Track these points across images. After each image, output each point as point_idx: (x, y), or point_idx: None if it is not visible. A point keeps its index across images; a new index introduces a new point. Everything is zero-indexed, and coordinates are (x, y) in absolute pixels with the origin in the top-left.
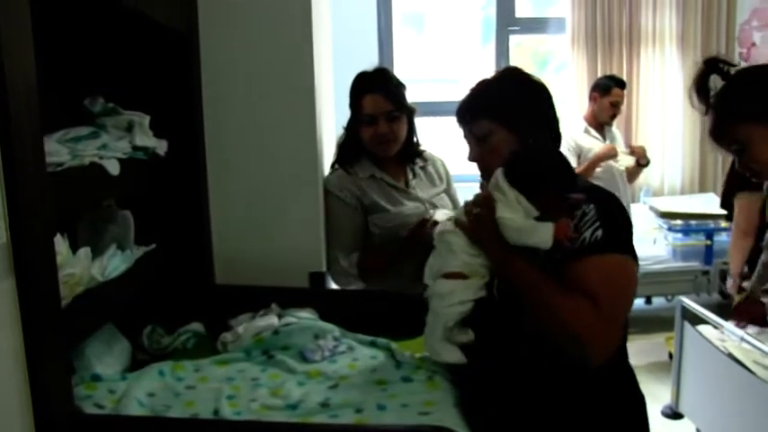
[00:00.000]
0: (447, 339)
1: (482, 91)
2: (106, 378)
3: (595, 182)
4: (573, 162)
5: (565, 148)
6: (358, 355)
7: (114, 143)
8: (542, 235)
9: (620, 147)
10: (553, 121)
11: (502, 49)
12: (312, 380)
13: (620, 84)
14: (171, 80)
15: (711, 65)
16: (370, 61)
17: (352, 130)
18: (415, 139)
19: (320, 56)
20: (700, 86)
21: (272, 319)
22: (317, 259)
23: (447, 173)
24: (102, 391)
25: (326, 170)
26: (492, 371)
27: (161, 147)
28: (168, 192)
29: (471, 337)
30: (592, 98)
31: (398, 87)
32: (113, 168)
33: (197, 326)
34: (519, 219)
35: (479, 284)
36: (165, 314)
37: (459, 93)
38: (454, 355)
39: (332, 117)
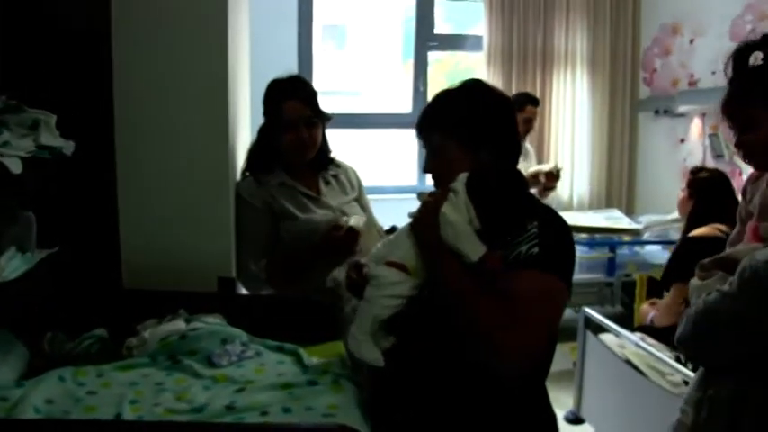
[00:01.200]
0: (372, 336)
1: (440, 103)
2: None
3: None
4: None
5: None
6: (265, 360)
7: (17, 141)
8: (474, 248)
9: (532, 162)
10: (511, 137)
11: (420, 64)
12: (218, 384)
13: (534, 101)
14: (81, 80)
15: (764, 41)
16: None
17: (266, 136)
18: (327, 147)
19: (236, 62)
20: (740, 56)
21: (179, 324)
22: (227, 264)
23: (358, 181)
24: None
25: (238, 178)
26: (404, 373)
27: (68, 147)
28: (75, 193)
29: (392, 342)
30: None
31: (314, 94)
32: (15, 167)
33: (101, 331)
34: (461, 221)
35: (416, 284)
36: (69, 319)
37: (365, 106)
38: (374, 355)
39: (247, 125)
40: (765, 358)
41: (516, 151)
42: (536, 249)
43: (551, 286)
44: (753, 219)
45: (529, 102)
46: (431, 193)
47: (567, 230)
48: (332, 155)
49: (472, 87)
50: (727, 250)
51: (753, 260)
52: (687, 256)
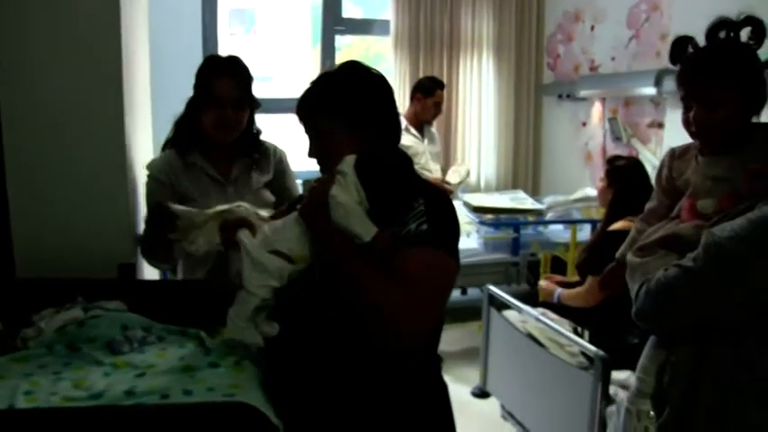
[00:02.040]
0: (252, 321)
1: (321, 86)
2: None
3: None
4: None
5: None
6: (167, 345)
7: None
8: (366, 228)
9: (436, 146)
10: (393, 116)
11: (328, 48)
12: (118, 370)
13: (442, 85)
14: None
15: (686, 39)
16: (193, 57)
17: (191, 111)
18: (254, 132)
19: (132, 44)
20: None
21: (77, 312)
22: (127, 250)
23: (280, 165)
24: None
25: (137, 163)
26: (301, 351)
27: None
28: None
29: (275, 331)
30: (415, 98)
31: (250, 78)
32: None
33: None
34: (351, 202)
35: (297, 271)
36: None
37: (275, 91)
38: (254, 339)
39: (147, 108)
40: (724, 322)
41: (398, 130)
42: (425, 226)
43: (442, 262)
44: (686, 196)
45: (437, 86)
46: (317, 179)
47: (451, 207)
48: (261, 138)
49: (351, 69)
50: (668, 228)
51: (714, 237)
52: (605, 249)
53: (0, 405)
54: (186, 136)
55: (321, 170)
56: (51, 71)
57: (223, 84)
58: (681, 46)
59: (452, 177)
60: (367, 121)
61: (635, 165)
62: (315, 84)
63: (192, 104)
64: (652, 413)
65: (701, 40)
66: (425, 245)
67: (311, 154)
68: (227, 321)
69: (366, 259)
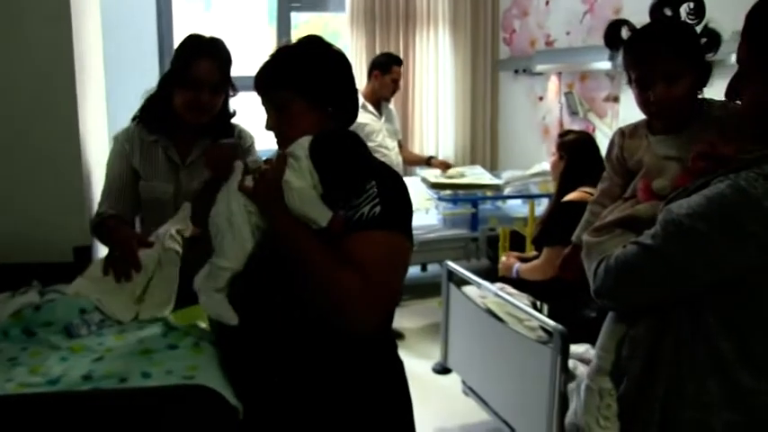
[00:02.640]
0: (225, 296)
1: (282, 60)
2: None
3: None
4: None
5: None
6: (126, 328)
7: None
8: (321, 213)
9: (395, 124)
10: (352, 92)
11: (284, 26)
12: (76, 354)
13: (398, 61)
14: None
15: (620, 22)
16: (147, 35)
17: (165, 88)
18: (226, 115)
19: (83, 24)
20: (613, 35)
21: (33, 297)
22: (82, 233)
23: (250, 149)
24: None
25: (90, 145)
26: (255, 332)
27: None
28: None
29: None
30: (372, 76)
31: (230, 62)
32: None
33: None
34: (306, 188)
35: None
36: None
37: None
38: (231, 316)
39: (101, 88)
40: (683, 297)
41: (356, 106)
42: (378, 209)
43: (397, 244)
44: (639, 176)
45: (394, 62)
46: (266, 160)
47: (403, 186)
48: (233, 121)
49: (312, 44)
50: (624, 209)
51: (672, 214)
52: (560, 220)
53: None
54: (154, 113)
55: (278, 144)
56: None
57: (203, 66)
58: (616, 29)
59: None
60: (327, 96)
61: (586, 137)
62: (274, 57)
63: (165, 81)
64: (613, 391)
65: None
66: (379, 228)
67: (268, 127)
68: (199, 294)
69: (321, 245)
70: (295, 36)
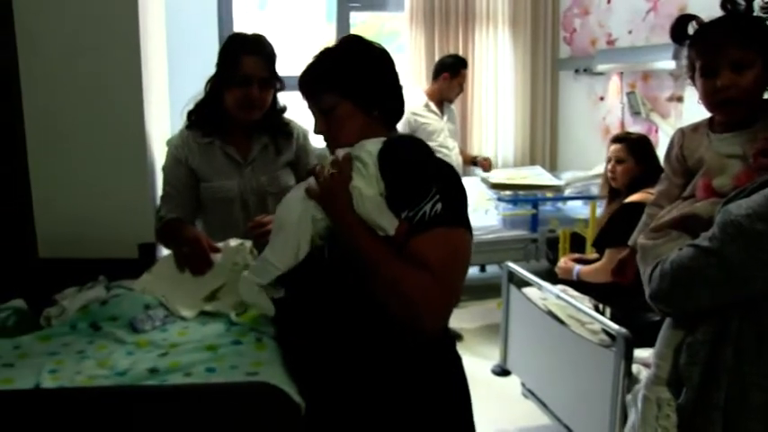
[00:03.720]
0: (264, 289)
1: (325, 62)
2: None
3: None
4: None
5: (402, 123)
6: (189, 323)
7: None
8: (389, 221)
9: (455, 123)
10: (397, 90)
11: (343, 25)
12: (141, 349)
13: (466, 64)
14: None
15: (689, 17)
16: (209, 34)
17: (214, 90)
18: (278, 110)
19: (149, 23)
20: (681, 29)
21: (99, 292)
22: (147, 230)
23: (301, 144)
24: None
25: (155, 143)
26: (319, 329)
27: None
28: None
29: (281, 293)
30: (442, 77)
31: (275, 56)
32: None
33: (18, 302)
34: (375, 195)
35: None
36: None
37: (290, 68)
38: (268, 308)
39: (164, 84)
40: (743, 300)
41: (401, 104)
42: (439, 206)
43: (459, 239)
44: (700, 175)
45: (462, 65)
46: (333, 163)
47: (457, 178)
48: (285, 117)
49: (355, 45)
50: (683, 208)
51: (730, 215)
52: (624, 221)
53: (26, 384)
54: (207, 115)
55: (328, 146)
56: (71, 53)
57: (250, 62)
58: (684, 23)
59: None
60: (373, 96)
61: (647, 138)
62: (318, 60)
63: (213, 84)
64: (673, 400)
65: (718, 13)
66: (442, 225)
67: (317, 131)
68: (242, 283)
69: (389, 247)
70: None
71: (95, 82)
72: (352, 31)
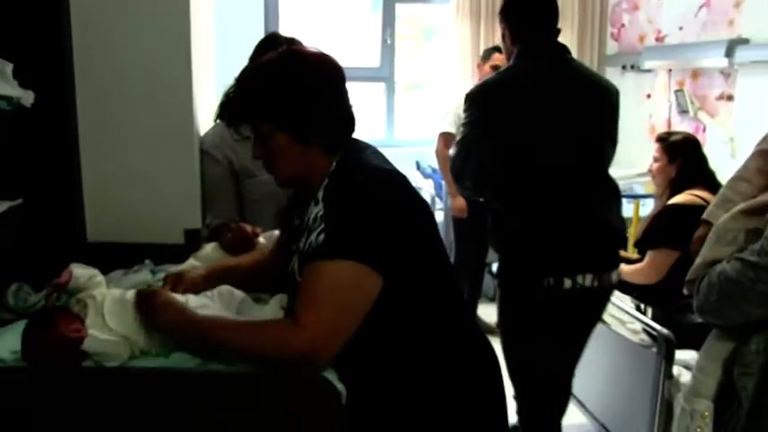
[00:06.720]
0: None
1: (260, 85)
2: None
3: None
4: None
5: (450, 121)
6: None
7: None
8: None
9: None
10: (343, 113)
11: (388, 17)
12: None
13: (499, 49)
14: (39, 29)
15: None
16: (255, 24)
17: None
18: None
19: (198, 12)
20: None
21: (145, 275)
22: (193, 216)
23: None
24: None
25: (203, 127)
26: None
27: (27, 97)
28: (35, 144)
29: None
30: (476, 68)
31: None
32: None
33: None
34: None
35: None
36: (34, 271)
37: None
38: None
39: (212, 72)
40: None
41: (349, 129)
42: (322, 237)
43: (338, 273)
44: None
45: (494, 50)
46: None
47: (361, 200)
48: None
49: (291, 66)
50: None
51: None
52: (668, 223)
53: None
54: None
55: (269, 173)
56: (124, 46)
57: None
58: None
59: None
60: (311, 129)
61: (694, 138)
62: (251, 79)
63: None
64: (707, 413)
65: None
66: (322, 258)
67: (254, 155)
68: None
69: (215, 321)
70: (398, 27)
71: (146, 71)
72: (397, 23)
